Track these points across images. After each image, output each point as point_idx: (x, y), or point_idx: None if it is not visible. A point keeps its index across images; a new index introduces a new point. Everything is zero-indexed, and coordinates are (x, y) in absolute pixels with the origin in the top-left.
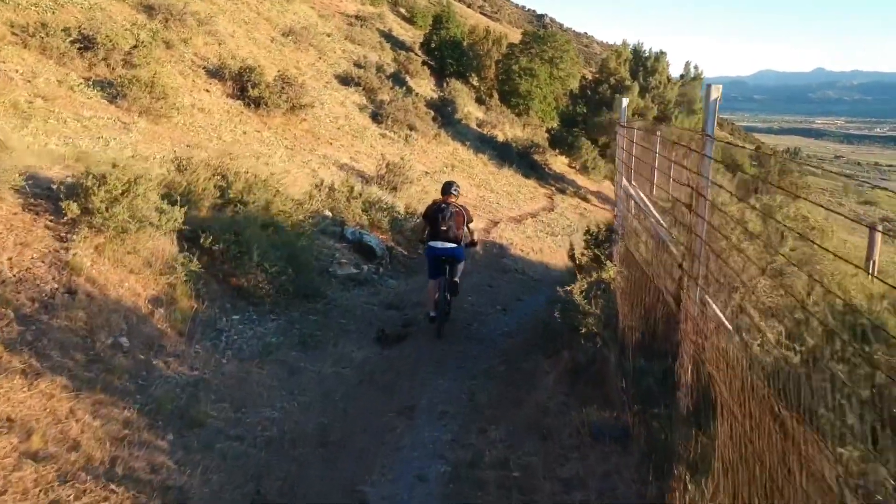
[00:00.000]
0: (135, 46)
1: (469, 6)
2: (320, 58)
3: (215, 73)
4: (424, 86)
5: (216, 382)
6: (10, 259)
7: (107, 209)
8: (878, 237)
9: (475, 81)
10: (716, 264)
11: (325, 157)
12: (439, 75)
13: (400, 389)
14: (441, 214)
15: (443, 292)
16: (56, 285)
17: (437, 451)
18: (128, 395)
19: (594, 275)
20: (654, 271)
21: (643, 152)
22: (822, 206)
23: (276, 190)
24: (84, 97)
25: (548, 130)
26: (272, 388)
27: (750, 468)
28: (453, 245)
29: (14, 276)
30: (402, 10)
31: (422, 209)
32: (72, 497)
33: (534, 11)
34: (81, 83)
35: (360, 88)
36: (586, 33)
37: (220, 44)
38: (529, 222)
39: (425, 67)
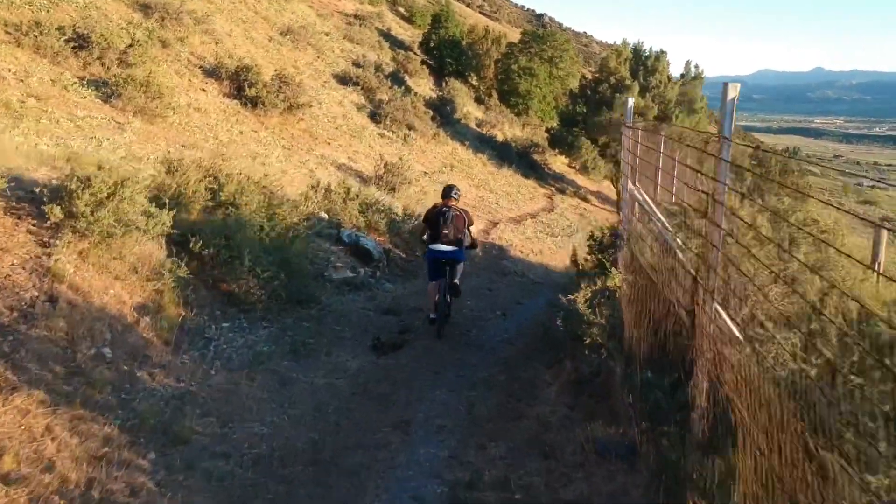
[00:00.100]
0: (130, 45)
1: (468, 5)
2: (318, 57)
3: (212, 73)
4: (423, 85)
5: (203, 395)
6: None
7: (91, 213)
8: (884, 238)
9: (474, 81)
10: (735, 276)
11: (322, 157)
12: (438, 75)
13: (395, 401)
14: (442, 217)
15: (443, 294)
16: (36, 293)
17: (433, 470)
18: (109, 409)
19: (598, 282)
20: (664, 280)
21: (652, 154)
22: (837, 208)
23: (269, 192)
24: (78, 97)
25: (547, 130)
26: (262, 401)
27: None
28: (454, 248)
29: None
30: (401, 10)
31: (420, 210)
32: None
33: (533, 11)
34: (75, 82)
35: (359, 88)
36: (585, 33)
37: (216, 43)
38: (529, 223)
39: (424, 67)
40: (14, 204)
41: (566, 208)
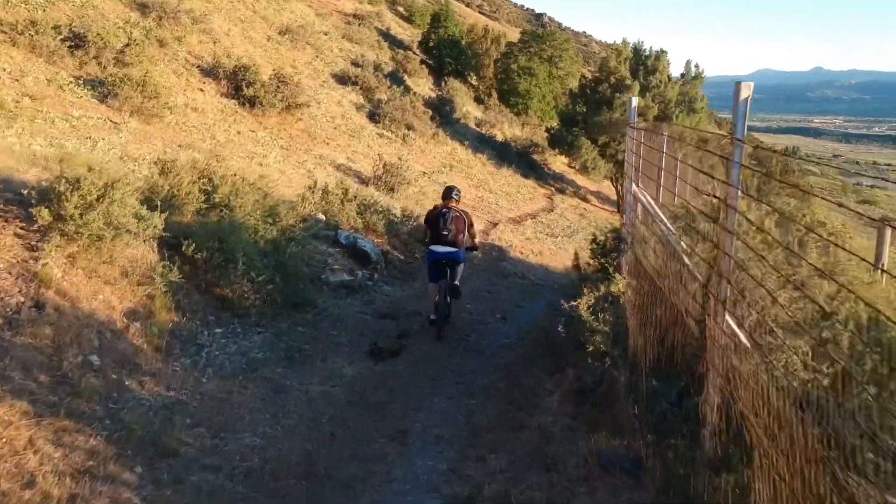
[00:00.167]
0: (127, 45)
1: (467, 5)
2: (317, 56)
3: (209, 72)
4: (422, 85)
5: (194, 404)
6: None
7: (80, 216)
8: (888, 238)
9: (474, 80)
10: (749, 286)
11: (321, 157)
12: (437, 74)
13: (392, 410)
14: (442, 218)
15: (443, 295)
16: (22, 299)
17: (431, 484)
18: (95, 420)
19: (602, 288)
20: (671, 287)
21: (657, 155)
22: (851, 209)
23: (265, 193)
24: (74, 96)
25: (547, 130)
26: (254, 411)
27: None
28: (454, 248)
29: None
30: (401, 9)
31: (419, 211)
32: None
33: (532, 10)
34: (71, 82)
35: (358, 87)
36: (585, 32)
37: (214, 42)
38: (529, 223)
39: (423, 66)
40: (1, 206)
41: (566, 208)
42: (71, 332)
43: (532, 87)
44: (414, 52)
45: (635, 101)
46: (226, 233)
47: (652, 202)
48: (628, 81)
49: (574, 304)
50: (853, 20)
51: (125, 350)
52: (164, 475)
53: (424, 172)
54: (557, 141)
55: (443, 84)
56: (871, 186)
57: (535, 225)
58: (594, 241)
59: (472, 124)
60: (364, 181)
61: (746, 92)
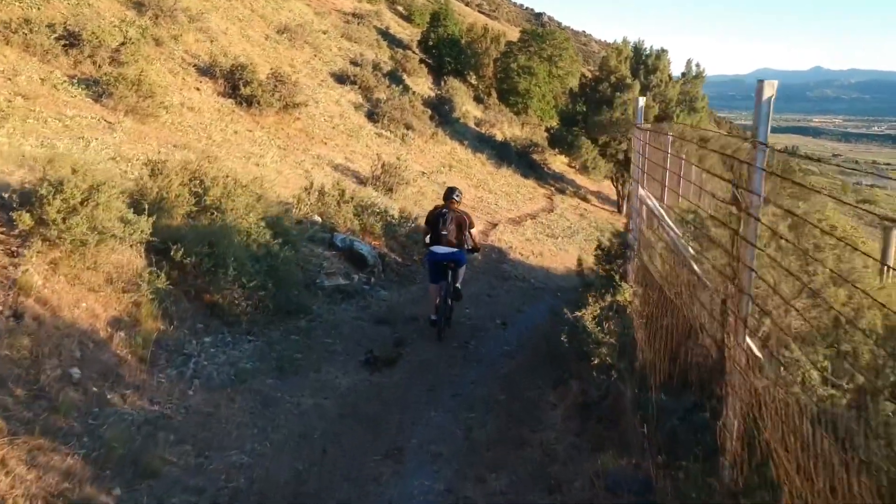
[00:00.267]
0: (123, 43)
1: (467, 4)
2: (316, 55)
3: (206, 71)
4: (422, 84)
5: (179, 419)
6: None
7: (63, 220)
8: (894, 239)
9: (473, 80)
10: (775, 304)
11: (318, 157)
12: (437, 73)
13: (388, 425)
14: (442, 219)
15: (444, 297)
16: (0, 308)
17: None
18: (73, 437)
19: (608, 298)
20: (684, 300)
21: (671, 160)
22: (868, 211)
23: (258, 195)
24: (67, 96)
25: (547, 129)
26: (242, 426)
27: None
28: (454, 249)
29: None
30: (400, 8)
31: (418, 212)
32: None
33: (532, 10)
34: (65, 81)
35: (356, 87)
36: (584, 32)
37: (211, 41)
38: (529, 224)
39: (423, 66)
40: None
41: (566, 208)
42: (51, 342)
43: (532, 87)
44: (413, 52)
45: (642, 101)
46: (216, 236)
47: (659, 206)
48: (629, 80)
49: (579, 314)
50: (853, 20)
51: (108, 361)
52: (143, 498)
53: (423, 172)
54: (557, 140)
55: (442, 83)
56: (872, 186)
57: (535, 225)
58: (599, 247)
59: (471, 124)
60: (362, 181)
61: (770, 91)
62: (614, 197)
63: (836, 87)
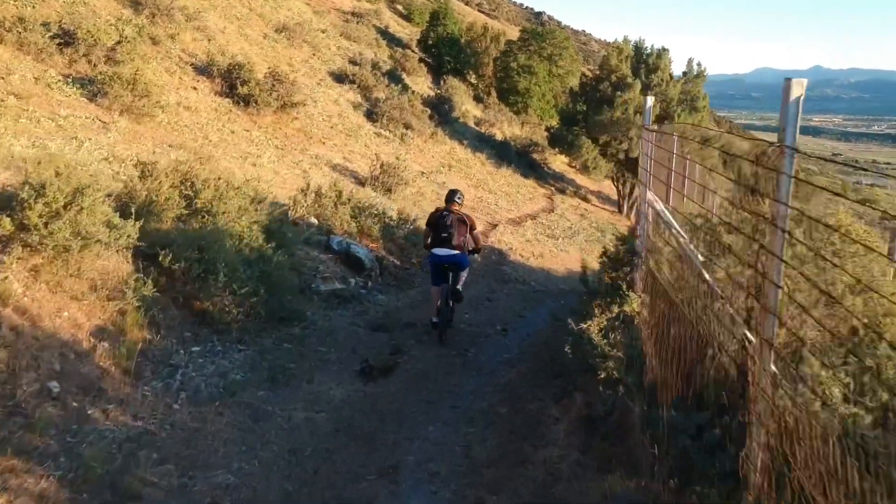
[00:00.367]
0: (118, 42)
1: (466, 3)
2: (314, 55)
3: (203, 70)
4: (421, 83)
5: (163, 436)
6: None
7: (45, 225)
8: None
9: (473, 79)
10: (809, 323)
11: (317, 157)
12: (436, 73)
13: (383, 440)
14: (444, 221)
15: (445, 299)
16: None
17: None
18: (49, 457)
19: (614, 308)
20: (697, 315)
21: (680, 162)
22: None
23: (251, 198)
24: (62, 95)
25: (547, 129)
26: (230, 442)
27: None
28: (456, 252)
29: None
30: (399, 7)
31: (417, 213)
32: None
33: (531, 9)
34: (60, 80)
35: (355, 86)
36: (584, 31)
37: (209, 40)
38: (529, 224)
39: (422, 65)
40: None
41: (566, 209)
42: (29, 354)
43: (532, 86)
44: (412, 51)
45: (650, 101)
46: (207, 241)
47: (667, 211)
48: (629, 80)
49: (584, 326)
50: (853, 20)
51: (90, 374)
52: None
53: (423, 172)
54: (557, 140)
55: (441, 83)
56: (872, 185)
57: (536, 226)
58: (604, 254)
59: (471, 123)
60: (361, 182)
61: (799, 90)
62: (615, 197)
63: (835, 86)
